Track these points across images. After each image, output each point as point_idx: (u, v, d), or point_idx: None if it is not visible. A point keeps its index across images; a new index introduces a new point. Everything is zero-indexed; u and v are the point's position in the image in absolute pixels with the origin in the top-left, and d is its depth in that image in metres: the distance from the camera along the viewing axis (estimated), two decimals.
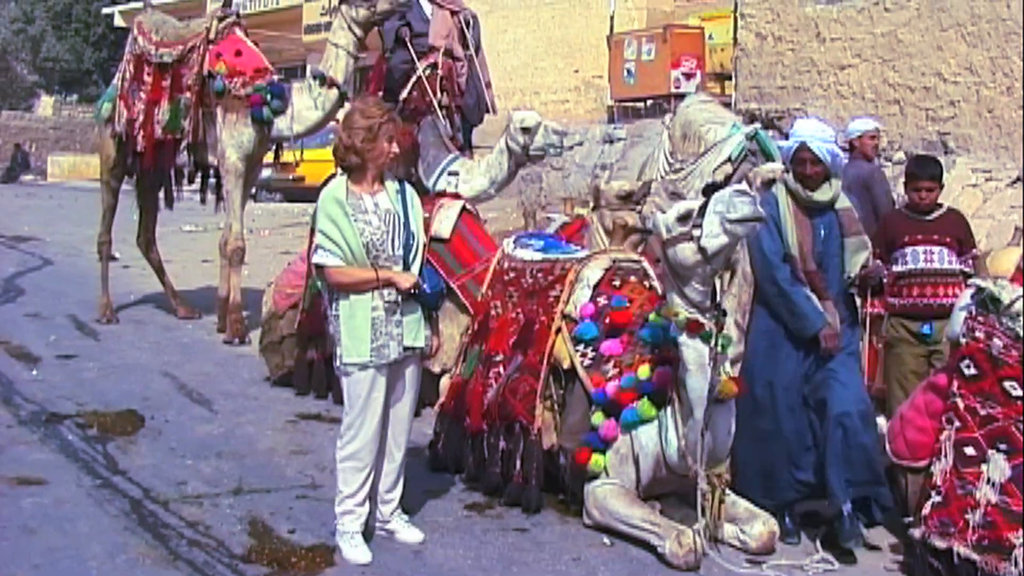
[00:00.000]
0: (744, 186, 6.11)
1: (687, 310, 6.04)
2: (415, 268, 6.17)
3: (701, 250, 5.87)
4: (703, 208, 5.90)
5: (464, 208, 9.24)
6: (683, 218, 5.97)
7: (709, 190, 6.00)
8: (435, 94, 10.93)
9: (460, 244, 9.04)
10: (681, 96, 20.46)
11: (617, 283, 7.03)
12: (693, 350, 6.04)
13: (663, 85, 20.70)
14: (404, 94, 10.89)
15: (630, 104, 21.95)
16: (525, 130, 9.76)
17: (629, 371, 6.58)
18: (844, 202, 6.60)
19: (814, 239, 6.48)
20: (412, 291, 6.06)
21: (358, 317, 6.04)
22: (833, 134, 6.61)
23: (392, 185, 6.26)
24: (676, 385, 6.24)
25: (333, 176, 6.34)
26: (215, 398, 9.32)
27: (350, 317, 6.06)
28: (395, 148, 6.17)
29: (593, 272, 7.13)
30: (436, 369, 8.50)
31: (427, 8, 11.59)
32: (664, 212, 6.26)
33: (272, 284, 10.33)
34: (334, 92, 11.25)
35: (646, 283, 7.07)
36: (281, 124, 11.53)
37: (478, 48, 11.77)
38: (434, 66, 11.04)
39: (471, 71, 11.50)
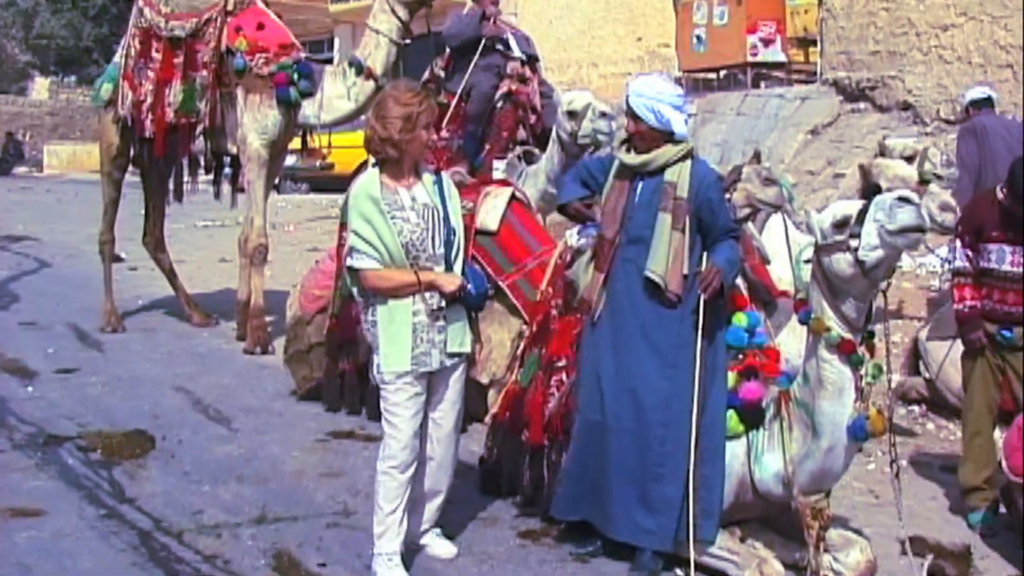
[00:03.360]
0: (908, 192, 5.99)
1: (840, 327, 5.94)
2: (457, 267, 6.26)
3: (858, 263, 5.78)
4: (862, 214, 5.80)
5: (514, 196, 9.19)
6: (839, 224, 5.86)
7: (871, 192, 5.92)
8: (512, 130, 10.84)
9: (509, 238, 8.98)
10: (758, 65, 20.53)
11: None
12: (836, 370, 5.94)
13: (738, 53, 20.62)
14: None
15: (701, 75, 21.87)
16: (571, 114, 9.67)
17: None
18: (674, 174, 6.40)
19: (627, 204, 6.50)
20: (457, 294, 6.11)
21: (398, 323, 6.11)
22: (666, 92, 6.46)
23: (428, 176, 6.32)
24: (792, 403, 6.20)
25: (365, 165, 6.36)
26: (235, 415, 9.33)
27: (389, 323, 6.12)
28: (432, 136, 6.21)
29: None
30: (484, 380, 8.48)
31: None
32: (805, 211, 6.21)
33: (298, 286, 10.33)
34: (371, 84, 11.20)
35: None
36: (308, 110, 11.56)
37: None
38: (508, 96, 10.93)
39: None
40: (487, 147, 10.52)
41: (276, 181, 13.86)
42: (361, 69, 11.35)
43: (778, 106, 18.95)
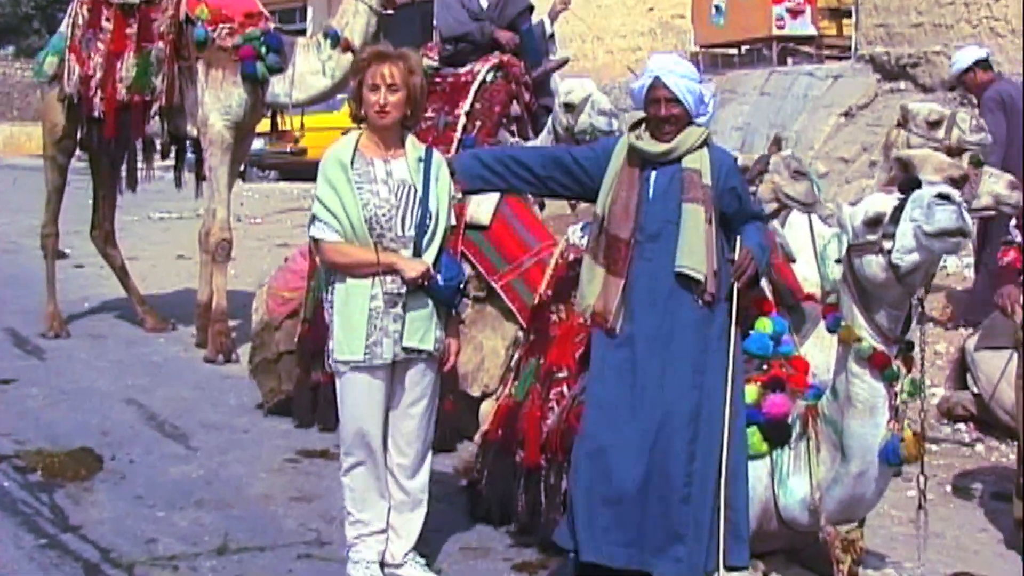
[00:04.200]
0: (949, 188, 5.91)
1: (872, 337, 5.91)
2: (429, 255, 6.29)
3: (892, 267, 5.73)
4: (898, 211, 5.74)
5: None
6: (872, 223, 5.81)
7: (909, 185, 5.83)
8: (505, 105, 10.76)
9: (504, 233, 8.97)
10: (785, 39, 20.49)
11: None
12: (867, 386, 5.92)
13: (762, 25, 20.60)
14: (466, 107, 10.71)
15: (720, 51, 21.88)
16: (568, 107, 9.65)
17: None
18: (695, 161, 6.36)
19: (640, 197, 6.38)
20: (421, 282, 6.16)
21: (353, 306, 6.22)
22: (696, 74, 6.53)
23: (415, 151, 6.37)
24: (820, 420, 6.17)
25: None
26: (193, 432, 9.32)
27: (344, 305, 6.25)
28: (383, 99, 6.25)
29: None
30: (475, 392, 8.46)
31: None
32: (833, 206, 6.16)
33: (265, 286, 10.30)
34: (348, 58, 11.11)
35: None
36: (278, 87, 11.55)
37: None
38: (499, 68, 10.84)
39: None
40: (477, 125, 10.45)
41: (241, 168, 13.81)
42: (337, 41, 11.31)
43: (807, 85, 18.98)
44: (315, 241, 6.38)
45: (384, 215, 6.19)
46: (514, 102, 10.60)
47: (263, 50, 11.38)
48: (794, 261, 7.85)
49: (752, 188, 7.52)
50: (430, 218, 6.28)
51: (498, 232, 8.92)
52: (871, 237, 5.78)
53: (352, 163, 6.22)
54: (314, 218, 6.28)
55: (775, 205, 7.69)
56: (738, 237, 6.34)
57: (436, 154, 6.50)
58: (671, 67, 6.38)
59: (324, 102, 12.35)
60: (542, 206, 9.38)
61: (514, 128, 10.47)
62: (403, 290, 6.18)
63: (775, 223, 7.87)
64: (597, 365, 6.45)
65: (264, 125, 12.50)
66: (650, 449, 6.16)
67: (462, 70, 10.36)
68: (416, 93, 6.36)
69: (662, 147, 6.33)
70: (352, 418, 6.33)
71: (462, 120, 10.12)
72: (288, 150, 25.16)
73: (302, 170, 24.49)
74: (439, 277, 6.23)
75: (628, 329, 6.29)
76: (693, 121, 6.36)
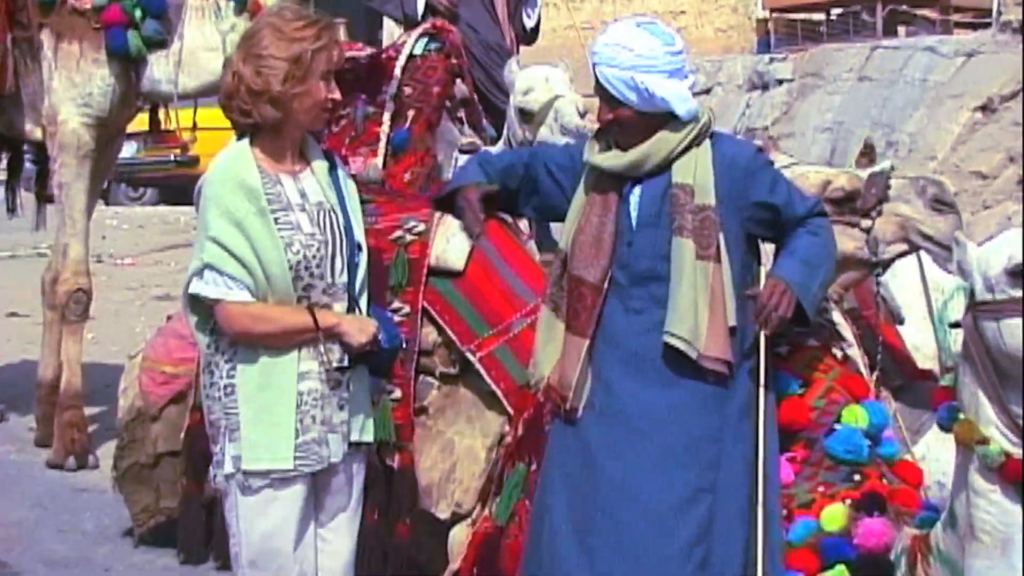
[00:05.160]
0: None
1: (1006, 437, 5.78)
2: (363, 304, 6.28)
3: None
4: None
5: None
6: (1018, 273, 5.74)
7: None
8: (445, 85, 10.85)
9: (485, 281, 8.84)
10: (895, 0, 20.58)
11: (782, 348, 6.95)
12: (996, 510, 5.81)
13: None
14: (392, 90, 10.73)
15: (800, 17, 21.96)
16: (525, 115, 9.75)
17: (805, 514, 6.52)
18: (686, 172, 6.28)
19: (617, 225, 6.36)
20: (369, 347, 6.12)
21: (274, 391, 6.08)
22: (663, 49, 6.25)
23: (320, 163, 6.31)
24: (932, 556, 6.15)
25: None
26: (31, 569, 9.35)
27: (259, 390, 6.09)
28: (335, 93, 6.23)
29: None
30: (443, 513, 8.45)
31: None
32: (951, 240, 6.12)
33: (139, 357, 10.28)
34: None
35: (835, 349, 7.00)
36: (159, 70, 11.57)
37: None
38: (432, 38, 10.88)
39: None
40: (410, 115, 10.47)
41: (105, 185, 13.86)
42: (244, 5, 11.34)
43: (927, 67, 19.06)
44: (197, 301, 6.14)
45: (313, 256, 6.07)
46: (458, 81, 10.65)
47: (137, 15, 11.38)
48: (901, 323, 7.82)
49: (866, 223, 7.37)
50: (358, 253, 6.25)
51: (476, 280, 8.82)
52: (1016, 293, 5.67)
53: (262, 186, 6.07)
54: (205, 269, 6.04)
55: (903, 247, 7.47)
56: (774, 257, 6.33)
57: (339, 161, 6.51)
58: (606, 54, 6.27)
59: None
60: (539, 243, 9.41)
61: (462, 115, 10.52)
62: (346, 362, 6.09)
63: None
64: (553, 468, 6.48)
65: (139, 123, 12.53)
66: None
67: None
68: None
69: (622, 160, 6.33)
70: (268, 551, 6.15)
71: (389, 109, 10.13)
72: (172, 159, 25.21)
73: (192, 187, 24.59)
74: (382, 336, 6.17)
75: (600, 410, 6.28)
76: (676, 117, 6.24)
